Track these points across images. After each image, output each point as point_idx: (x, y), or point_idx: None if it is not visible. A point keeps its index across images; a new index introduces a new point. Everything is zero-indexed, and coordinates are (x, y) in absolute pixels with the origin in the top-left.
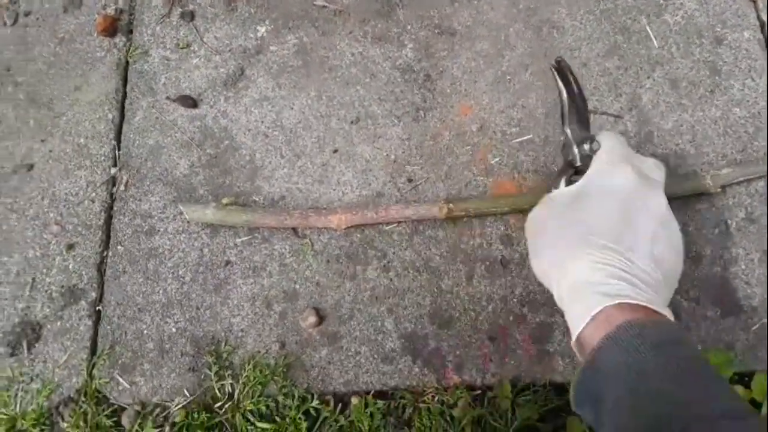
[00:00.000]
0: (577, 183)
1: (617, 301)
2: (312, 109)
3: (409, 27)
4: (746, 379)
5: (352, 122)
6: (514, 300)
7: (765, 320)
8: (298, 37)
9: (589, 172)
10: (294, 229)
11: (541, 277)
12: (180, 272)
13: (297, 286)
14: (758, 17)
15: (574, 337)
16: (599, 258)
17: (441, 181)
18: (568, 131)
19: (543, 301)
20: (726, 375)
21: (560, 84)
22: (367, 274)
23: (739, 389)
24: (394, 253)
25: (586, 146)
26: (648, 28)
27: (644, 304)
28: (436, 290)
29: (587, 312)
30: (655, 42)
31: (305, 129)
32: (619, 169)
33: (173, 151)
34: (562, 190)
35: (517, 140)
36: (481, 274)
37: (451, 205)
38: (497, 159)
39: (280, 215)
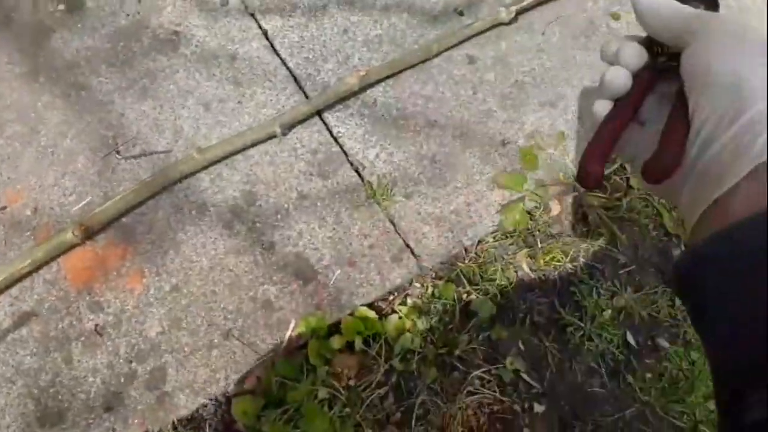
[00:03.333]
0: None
1: None
2: None
3: None
4: (340, 327)
5: None
6: (121, 361)
7: None
8: None
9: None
10: None
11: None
12: None
13: None
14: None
15: (714, 194)
16: None
17: None
18: None
19: (148, 348)
20: (322, 332)
21: None
22: None
23: (336, 338)
24: None
25: None
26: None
27: None
28: (36, 391)
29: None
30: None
31: None
32: None
33: None
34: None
35: (77, 207)
36: (80, 351)
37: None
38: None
39: None
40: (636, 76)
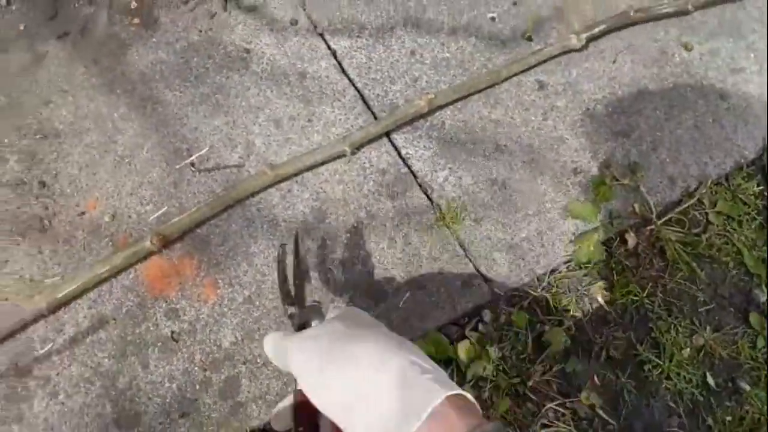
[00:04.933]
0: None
1: (456, 391)
2: None
3: (6, 141)
4: None
5: None
6: (196, 368)
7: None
8: None
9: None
10: None
11: (333, 406)
12: None
13: None
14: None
15: None
16: (413, 359)
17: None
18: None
19: (222, 357)
20: None
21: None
22: (34, 409)
23: None
24: (58, 374)
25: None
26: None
27: (467, 395)
28: (114, 393)
29: (427, 403)
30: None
31: None
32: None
33: None
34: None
35: (154, 216)
36: (157, 356)
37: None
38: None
39: None
40: None
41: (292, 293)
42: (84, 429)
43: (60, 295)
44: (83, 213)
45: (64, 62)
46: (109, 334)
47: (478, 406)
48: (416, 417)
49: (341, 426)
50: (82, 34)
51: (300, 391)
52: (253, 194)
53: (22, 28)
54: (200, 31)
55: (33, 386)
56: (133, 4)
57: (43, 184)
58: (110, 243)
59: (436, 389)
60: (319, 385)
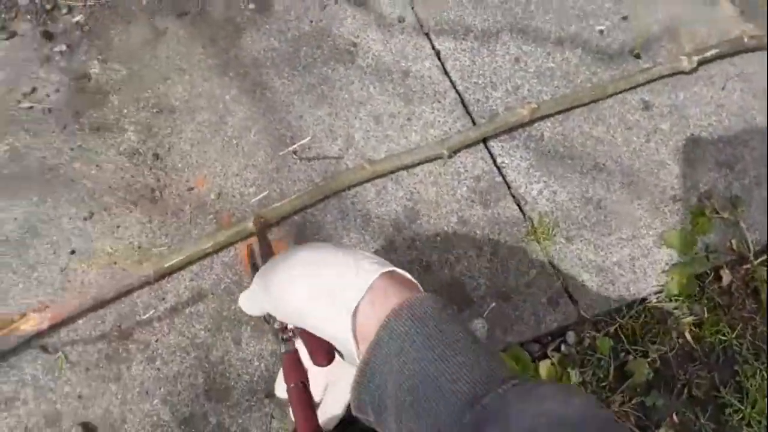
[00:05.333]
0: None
1: (392, 268)
2: (38, 215)
3: (125, 111)
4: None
5: (85, 218)
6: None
7: (493, 305)
8: (7, 143)
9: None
10: (43, 346)
11: (296, 311)
12: None
13: (58, 406)
14: (433, 47)
15: (349, 321)
16: (360, 253)
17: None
18: None
19: None
20: None
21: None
22: (132, 371)
23: None
24: (156, 341)
25: None
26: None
27: (404, 273)
28: (207, 365)
29: (369, 279)
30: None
31: (35, 237)
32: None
33: None
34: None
35: (256, 199)
36: (249, 335)
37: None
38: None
39: None
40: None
41: None
42: (176, 396)
43: (166, 265)
44: (192, 188)
45: (183, 41)
46: (207, 308)
47: (416, 282)
48: (359, 291)
49: (308, 327)
50: (200, 15)
51: (284, 353)
52: (349, 187)
53: (144, 3)
54: (311, 22)
55: (133, 350)
56: None
57: (156, 156)
58: (214, 220)
59: (375, 269)
60: (281, 309)
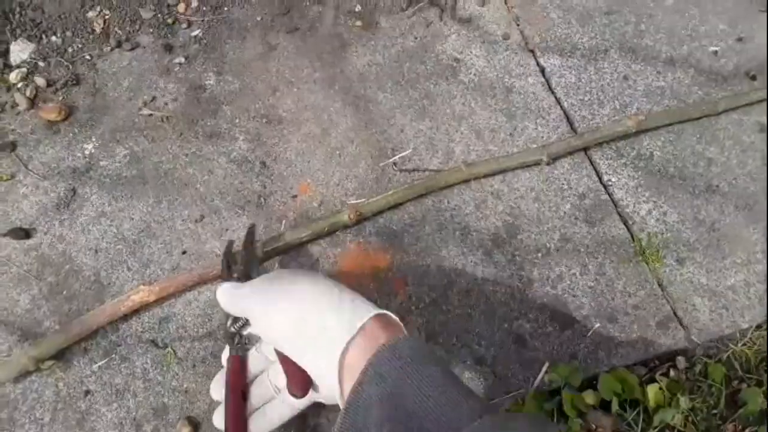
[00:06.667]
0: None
1: (380, 311)
2: (153, 216)
3: (237, 121)
4: (594, 382)
5: (196, 221)
6: None
7: (596, 326)
8: (128, 147)
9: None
10: (153, 341)
11: (281, 340)
12: (37, 414)
13: (165, 400)
14: (538, 64)
15: (336, 358)
16: (342, 289)
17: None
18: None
19: None
20: (575, 383)
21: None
22: None
23: (589, 394)
24: None
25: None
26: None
27: (392, 315)
28: None
29: (358, 320)
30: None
31: (149, 236)
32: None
33: (10, 289)
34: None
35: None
36: None
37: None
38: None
39: (86, 320)
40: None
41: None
42: None
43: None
44: (295, 196)
45: (292, 55)
46: None
47: (401, 324)
48: (349, 332)
49: (289, 354)
50: (310, 31)
51: (231, 357)
52: (443, 188)
53: (259, 19)
54: (415, 38)
55: None
56: (357, 8)
57: (264, 164)
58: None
59: (365, 309)
60: (266, 325)
